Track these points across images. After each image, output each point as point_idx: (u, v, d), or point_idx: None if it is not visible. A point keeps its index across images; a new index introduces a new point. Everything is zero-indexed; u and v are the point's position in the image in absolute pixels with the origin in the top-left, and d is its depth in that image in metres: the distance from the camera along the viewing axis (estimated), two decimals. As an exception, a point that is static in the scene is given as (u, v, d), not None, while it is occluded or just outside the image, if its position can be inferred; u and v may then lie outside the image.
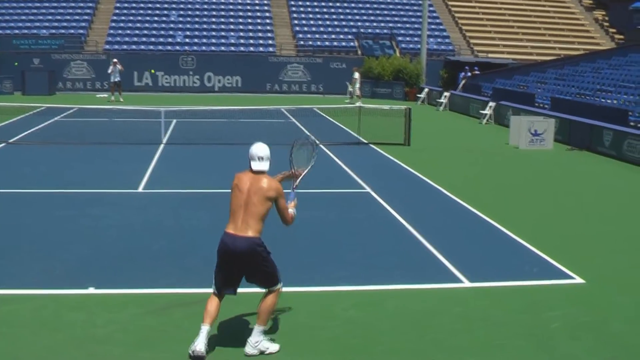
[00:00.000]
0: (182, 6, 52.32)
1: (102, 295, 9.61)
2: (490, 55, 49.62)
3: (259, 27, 50.99)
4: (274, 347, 7.84)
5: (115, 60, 40.10)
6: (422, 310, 9.34)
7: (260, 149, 7.76)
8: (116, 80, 39.16)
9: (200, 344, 7.54)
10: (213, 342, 7.86)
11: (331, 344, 8.15)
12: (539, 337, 8.53)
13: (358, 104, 37.95)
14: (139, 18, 50.68)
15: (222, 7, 52.60)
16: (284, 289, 8.15)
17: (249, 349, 7.73)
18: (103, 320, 8.71)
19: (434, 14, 53.03)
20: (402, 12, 54.34)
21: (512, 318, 9.12)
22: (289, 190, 7.99)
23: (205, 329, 7.64)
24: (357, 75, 42.52)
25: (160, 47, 48.05)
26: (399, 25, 52.74)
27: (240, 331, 8.26)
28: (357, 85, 42.57)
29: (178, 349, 7.92)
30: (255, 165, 7.73)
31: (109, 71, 39.51)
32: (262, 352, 7.76)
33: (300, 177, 8.30)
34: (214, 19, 51.38)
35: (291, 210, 7.95)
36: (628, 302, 9.88)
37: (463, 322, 8.94)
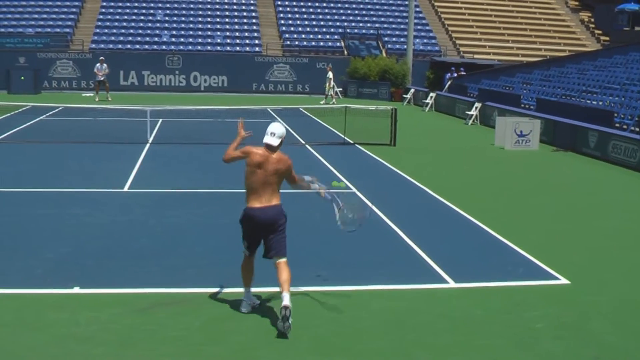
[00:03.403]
0: (168, 5, 52.17)
1: (85, 295, 9.56)
2: (476, 56, 49.75)
3: (245, 27, 50.91)
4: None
5: (102, 58, 39.95)
6: (405, 310, 9.34)
7: (274, 127, 8.79)
8: (101, 79, 38.92)
9: (242, 305, 8.99)
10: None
11: (314, 344, 8.15)
12: (522, 337, 8.55)
13: (322, 102, 38.46)
14: (125, 17, 50.51)
15: (209, 6, 52.48)
16: (265, 289, 9.06)
17: (287, 312, 8.23)
18: (85, 319, 8.66)
19: (420, 15, 53.10)
20: (388, 13, 54.40)
21: (495, 318, 9.13)
22: (314, 182, 9.27)
23: (245, 292, 9.02)
24: (331, 74, 41.22)
25: (146, 47, 47.91)
26: (385, 25, 52.80)
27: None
28: (331, 85, 41.34)
29: (161, 348, 7.91)
30: (266, 139, 8.69)
31: (96, 70, 39.25)
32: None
33: (331, 199, 9.47)
34: (200, 19, 51.27)
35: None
36: (612, 302, 9.91)
37: (446, 321, 8.96)
